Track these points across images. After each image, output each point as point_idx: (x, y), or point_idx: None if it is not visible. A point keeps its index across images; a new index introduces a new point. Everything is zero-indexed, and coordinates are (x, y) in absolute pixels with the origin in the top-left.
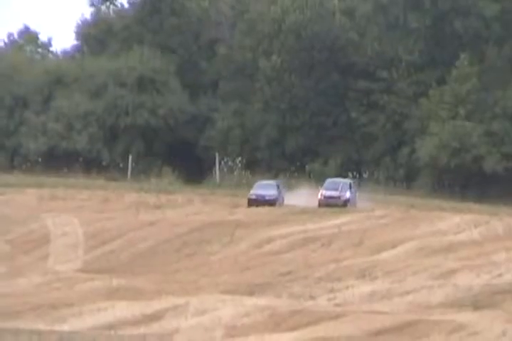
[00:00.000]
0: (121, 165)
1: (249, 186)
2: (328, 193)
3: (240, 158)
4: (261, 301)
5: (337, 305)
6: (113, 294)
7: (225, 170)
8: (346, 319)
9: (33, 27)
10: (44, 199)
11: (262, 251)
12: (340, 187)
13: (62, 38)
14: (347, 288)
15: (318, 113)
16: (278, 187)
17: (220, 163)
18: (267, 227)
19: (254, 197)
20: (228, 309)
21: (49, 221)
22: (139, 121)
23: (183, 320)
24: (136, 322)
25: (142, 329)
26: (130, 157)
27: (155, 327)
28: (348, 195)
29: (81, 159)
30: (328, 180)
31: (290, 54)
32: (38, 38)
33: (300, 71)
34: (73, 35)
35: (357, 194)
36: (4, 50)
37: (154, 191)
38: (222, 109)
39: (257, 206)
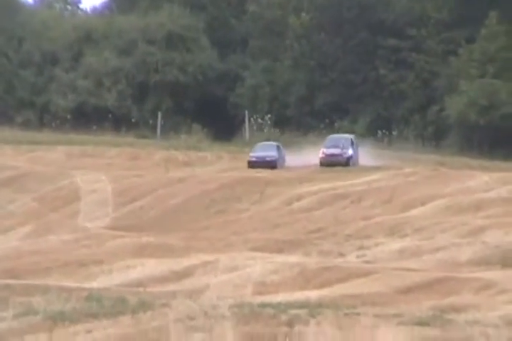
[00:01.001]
0: (150, 122)
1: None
2: (330, 151)
3: (269, 116)
4: (290, 258)
5: (366, 262)
6: (142, 251)
7: (255, 127)
8: (376, 276)
9: None
10: (73, 156)
11: (292, 209)
12: (341, 144)
13: None
14: (376, 245)
15: (347, 70)
16: (278, 148)
17: (249, 121)
18: (297, 185)
19: (254, 159)
20: (257, 266)
21: (78, 178)
22: (169, 78)
23: (212, 277)
24: (165, 279)
25: (171, 287)
26: (159, 114)
27: (184, 284)
28: (350, 152)
29: (110, 116)
30: (329, 137)
31: (319, 11)
32: None
33: (329, 28)
34: None
35: (358, 150)
36: (34, 7)
37: (183, 148)
38: (251, 67)
39: (257, 168)
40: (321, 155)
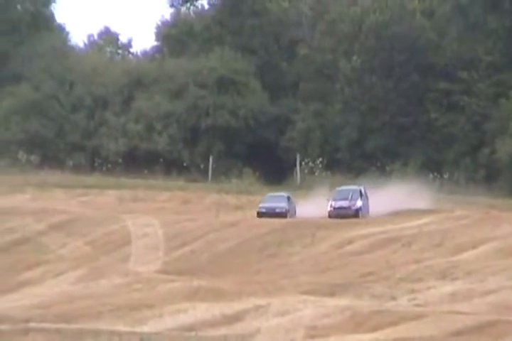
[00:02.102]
0: (201, 166)
1: (330, 186)
2: (338, 204)
3: (320, 159)
4: (342, 302)
5: (418, 305)
6: (193, 295)
7: (306, 171)
8: (427, 319)
9: (113, 28)
10: (124, 200)
11: (343, 252)
12: (350, 196)
13: (142, 39)
14: (428, 288)
15: (398, 113)
16: (289, 199)
17: (300, 164)
18: (348, 228)
19: (263, 210)
20: (309, 310)
21: (129, 222)
22: (220, 121)
23: (264, 321)
24: (216, 323)
25: (223, 331)
26: (211, 158)
27: (236, 328)
28: (358, 203)
29: (161, 160)
30: (337, 190)
31: (370, 54)
32: (118, 39)
33: (380, 72)
34: (153, 36)
35: (369, 201)
36: (84, 51)
37: (234, 192)
38: (302, 110)
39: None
40: (329, 208)
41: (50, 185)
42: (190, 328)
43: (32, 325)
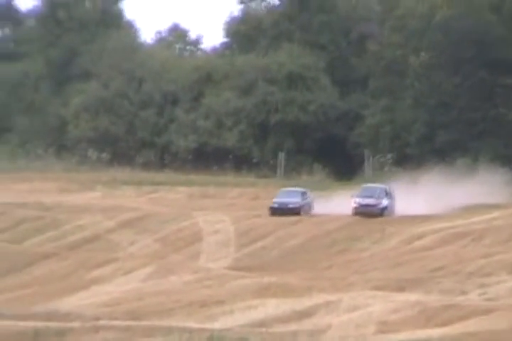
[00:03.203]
0: (271, 162)
1: (400, 182)
2: (365, 201)
3: (390, 154)
4: (411, 297)
5: (488, 299)
6: (264, 291)
7: (376, 166)
8: (497, 313)
9: (182, 24)
10: (194, 197)
11: (413, 247)
12: (376, 194)
13: (212, 35)
14: (498, 282)
15: (467, 108)
16: (304, 194)
17: (369, 160)
18: (417, 223)
19: (276, 205)
20: (379, 305)
21: (200, 219)
22: (289, 117)
23: (334, 317)
24: (287, 319)
25: (293, 326)
26: (280, 154)
27: (306, 324)
28: (385, 202)
29: (231, 156)
30: (363, 186)
31: (438, 50)
32: (187, 36)
33: (449, 67)
34: (222, 33)
35: (395, 200)
36: (153, 47)
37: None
38: (372, 105)
39: (279, 216)
40: (354, 204)
41: (120, 182)
42: (261, 324)
43: (102, 322)
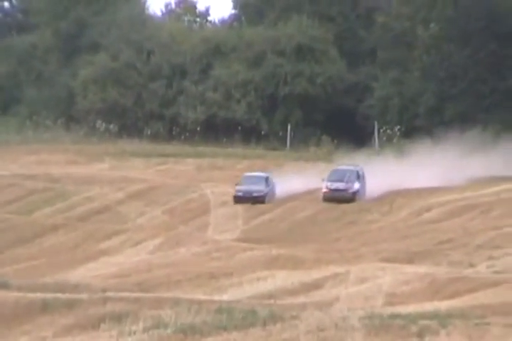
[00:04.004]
0: (280, 134)
1: (408, 154)
2: (334, 185)
3: (398, 127)
4: (420, 269)
5: (496, 272)
6: (272, 263)
7: (384, 138)
8: (506, 286)
9: None
10: (203, 169)
11: (421, 219)
12: (346, 177)
13: (220, 7)
14: (507, 255)
15: (476, 81)
16: (267, 180)
17: (378, 132)
18: (426, 195)
19: (240, 193)
20: (388, 277)
21: (208, 191)
22: (298, 89)
23: (342, 289)
24: (295, 291)
25: (302, 298)
26: (289, 126)
27: (315, 296)
28: (356, 186)
29: (240, 128)
30: (333, 170)
31: (448, 22)
32: (195, 8)
33: (458, 39)
34: (231, 4)
35: (365, 182)
36: (162, 19)
37: (313, 160)
38: (380, 78)
39: (243, 203)
40: (324, 189)
41: (129, 153)
42: (269, 296)
43: (110, 294)
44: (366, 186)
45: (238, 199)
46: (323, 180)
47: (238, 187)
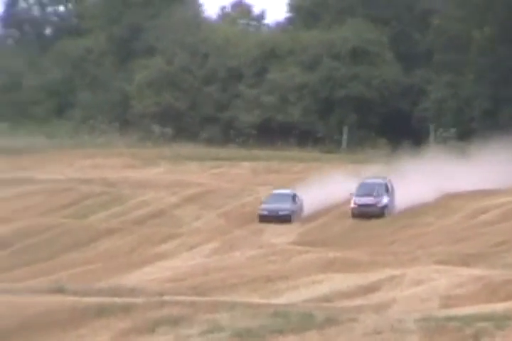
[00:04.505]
0: (335, 137)
1: (464, 156)
2: (362, 200)
3: (454, 129)
4: (475, 271)
5: None
6: (328, 266)
7: (440, 140)
8: None
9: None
10: (258, 172)
11: (476, 222)
12: (375, 191)
13: (275, 11)
14: None
15: None
16: (294, 197)
17: (434, 134)
18: (481, 198)
19: (266, 212)
20: (443, 279)
21: (264, 194)
22: (354, 92)
23: (398, 291)
24: (352, 294)
25: (358, 301)
26: (345, 129)
27: (371, 299)
28: (384, 200)
29: (295, 131)
30: (361, 184)
31: (503, 25)
32: (251, 11)
33: None
34: (286, 8)
35: (395, 195)
36: (217, 23)
37: (369, 162)
38: (435, 80)
39: (268, 223)
40: (352, 205)
41: (184, 157)
42: (326, 299)
43: (166, 298)
44: (395, 199)
45: (263, 218)
46: (351, 194)
47: (263, 206)
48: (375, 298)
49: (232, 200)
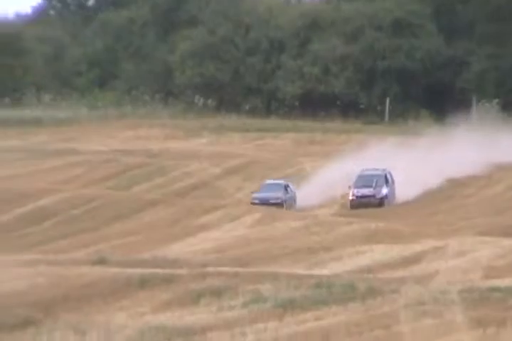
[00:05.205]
0: (378, 108)
1: (507, 127)
2: (361, 192)
3: (496, 100)
4: None
5: None
6: (371, 237)
7: (482, 111)
8: None
9: None
10: (301, 143)
11: None
12: (374, 182)
13: None
14: None
15: None
16: (286, 187)
17: (476, 105)
18: None
19: (256, 201)
20: (486, 250)
21: (306, 165)
22: (396, 64)
23: (441, 262)
24: (394, 265)
25: (401, 272)
26: (387, 100)
27: (414, 270)
28: (384, 191)
29: (338, 103)
30: (359, 175)
31: None
32: None
33: None
34: None
35: (395, 186)
36: None
37: (411, 134)
38: (477, 52)
39: None
40: (350, 197)
41: (227, 128)
42: (369, 270)
43: (209, 269)
44: (395, 190)
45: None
46: (349, 187)
47: (255, 195)
48: (418, 269)
49: (275, 171)
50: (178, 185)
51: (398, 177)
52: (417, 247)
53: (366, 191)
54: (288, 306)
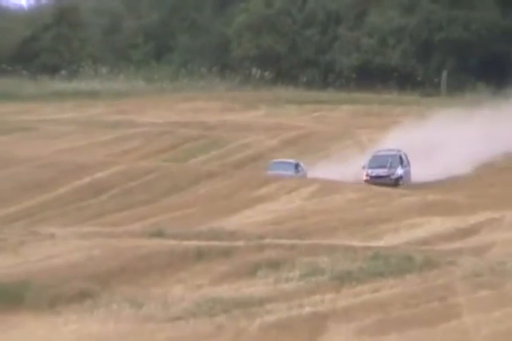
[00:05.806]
0: (435, 80)
1: None
2: (375, 172)
3: None
4: None
5: None
6: (428, 209)
7: None
8: None
9: None
10: (358, 115)
11: None
12: (388, 163)
13: None
14: None
15: None
16: (297, 166)
17: None
18: None
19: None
20: None
21: (364, 137)
22: (453, 35)
23: (498, 234)
24: (451, 236)
25: (457, 244)
26: (444, 72)
27: (470, 242)
28: (399, 171)
29: (395, 75)
30: (374, 156)
31: None
32: None
33: None
34: None
35: (410, 167)
36: None
37: (468, 106)
38: None
39: None
40: (364, 177)
41: (283, 101)
42: (425, 242)
43: (267, 241)
44: (411, 170)
45: None
46: (363, 167)
47: (268, 172)
48: (475, 240)
49: (332, 143)
50: (234, 157)
51: (456, 149)
52: (473, 219)
53: (380, 171)
54: (345, 278)
